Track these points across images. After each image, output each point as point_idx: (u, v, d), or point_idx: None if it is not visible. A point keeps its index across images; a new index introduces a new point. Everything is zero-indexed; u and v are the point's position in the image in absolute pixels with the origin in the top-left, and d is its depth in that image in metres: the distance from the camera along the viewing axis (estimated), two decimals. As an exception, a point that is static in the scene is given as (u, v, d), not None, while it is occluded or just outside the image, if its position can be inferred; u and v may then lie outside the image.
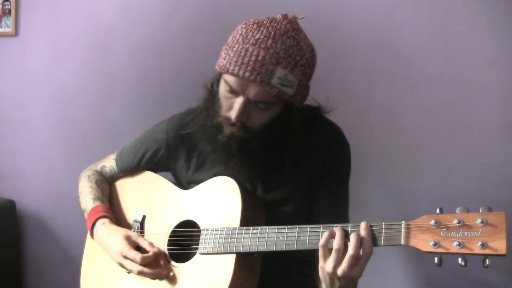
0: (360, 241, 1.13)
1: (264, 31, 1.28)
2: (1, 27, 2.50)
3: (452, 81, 1.98)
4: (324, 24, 2.06)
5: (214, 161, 1.49)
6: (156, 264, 1.42)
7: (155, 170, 1.65)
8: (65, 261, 2.53)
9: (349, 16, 2.07)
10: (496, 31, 1.91)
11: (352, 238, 1.13)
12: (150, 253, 1.41)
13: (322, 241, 1.17)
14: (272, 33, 1.27)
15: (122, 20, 2.35)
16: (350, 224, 1.18)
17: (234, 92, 1.30)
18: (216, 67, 1.34)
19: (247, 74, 1.25)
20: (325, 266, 1.16)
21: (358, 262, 1.13)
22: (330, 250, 1.16)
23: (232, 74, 1.27)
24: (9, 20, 2.48)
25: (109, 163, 1.71)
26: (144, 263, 1.39)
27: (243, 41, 1.28)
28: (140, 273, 1.38)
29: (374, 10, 2.04)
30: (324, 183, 1.44)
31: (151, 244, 1.43)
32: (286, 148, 1.40)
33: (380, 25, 2.04)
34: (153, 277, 1.41)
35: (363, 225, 1.15)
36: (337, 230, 1.17)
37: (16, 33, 2.50)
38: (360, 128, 2.00)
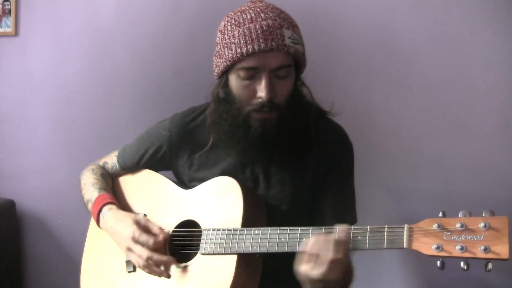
0: (334, 245, 1.12)
1: (251, 11, 1.33)
2: (1, 27, 2.49)
3: (451, 81, 1.98)
4: (323, 24, 2.06)
5: (217, 158, 1.50)
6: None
7: (156, 168, 1.65)
8: (65, 261, 2.52)
9: (349, 16, 2.07)
10: (496, 31, 1.91)
11: (325, 242, 1.13)
12: (160, 238, 1.40)
13: (301, 247, 1.17)
14: (258, 10, 1.33)
15: (122, 20, 2.35)
16: (343, 227, 1.18)
17: (252, 75, 1.32)
18: (224, 64, 1.35)
19: (262, 45, 1.28)
20: (300, 269, 1.16)
21: (331, 265, 1.11)
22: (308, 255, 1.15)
23: (247, 54, 1.29)
24: (9, 20, 2.47)
25: (111, 160, 1.72)
26: (155, 247, 1.39)
27: (240, 25, 1.32)
28: (148, 259, 1.37)
29: (374, 10, 2.04)
30: (329, 181, 1.45)
31: (161, 229, 1.43)
32: (293, 144, 1.41)
33: (380, 25, 2.04)
34: (159, 265, 1.39)
35: (338, 228, 1.16)
36: (313, 235, 1.17)
37: (16, 33, 2.49)
38: (360, 128, 1.99)
